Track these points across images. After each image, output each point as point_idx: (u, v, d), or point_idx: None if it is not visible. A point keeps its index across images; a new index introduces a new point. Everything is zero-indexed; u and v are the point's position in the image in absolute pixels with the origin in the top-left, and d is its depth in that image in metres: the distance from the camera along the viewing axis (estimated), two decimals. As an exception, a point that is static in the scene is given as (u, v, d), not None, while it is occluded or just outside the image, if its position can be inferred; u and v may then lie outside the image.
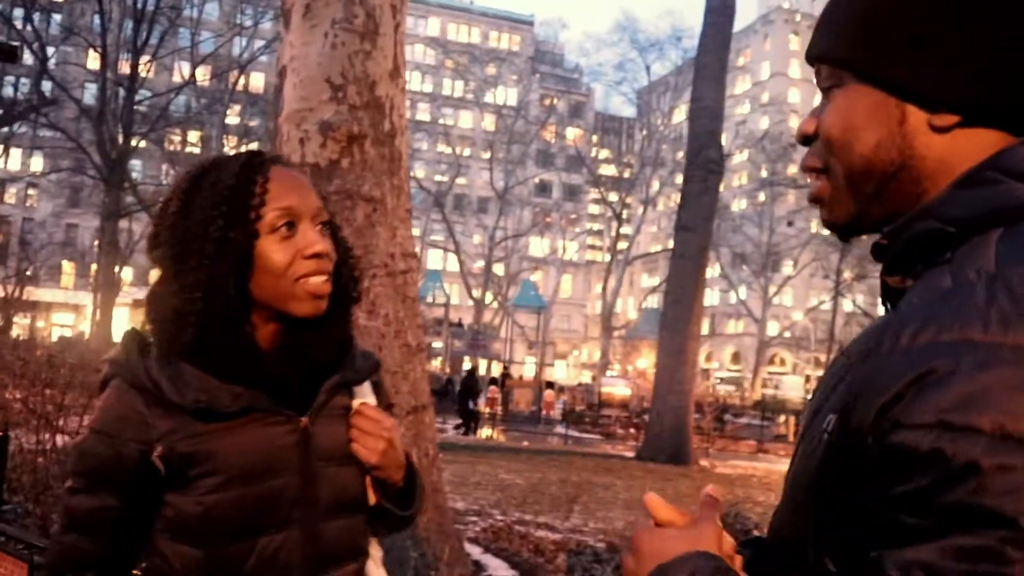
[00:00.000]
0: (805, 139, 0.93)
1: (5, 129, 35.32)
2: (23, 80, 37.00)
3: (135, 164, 40.59)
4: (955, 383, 0.66)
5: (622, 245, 58.39)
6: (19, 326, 43.99)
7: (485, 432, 22.96)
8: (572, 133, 68.19)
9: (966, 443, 0.65)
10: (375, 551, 1.59)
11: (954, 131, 0.82)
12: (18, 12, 32.78)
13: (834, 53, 0.88)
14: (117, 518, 1.39)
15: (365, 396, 1.56)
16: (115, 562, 1.41)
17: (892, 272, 0.87)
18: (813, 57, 0.92)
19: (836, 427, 0.77)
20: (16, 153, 48.06)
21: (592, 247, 77.16)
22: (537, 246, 66.24)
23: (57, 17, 37.98)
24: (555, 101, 68.26)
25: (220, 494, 1.37)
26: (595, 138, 74.17)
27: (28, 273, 42.32)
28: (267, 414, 1.42)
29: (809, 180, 0.94)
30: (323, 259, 1.43)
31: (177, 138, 39.36)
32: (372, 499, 1.54)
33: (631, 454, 18.71)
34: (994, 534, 0.63)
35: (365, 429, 1.49)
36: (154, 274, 1.48)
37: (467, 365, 38.89)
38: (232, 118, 41.08)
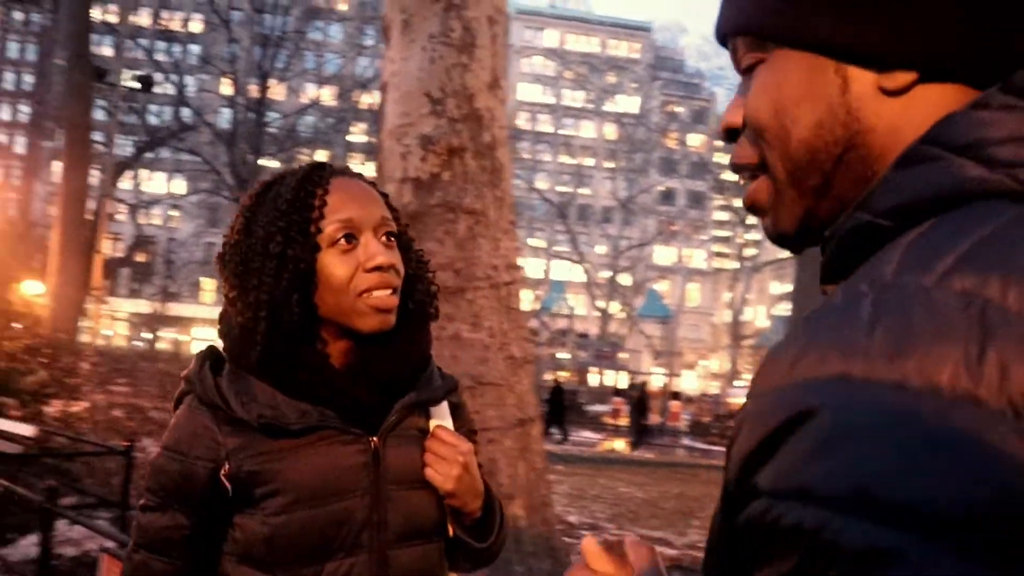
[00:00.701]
0: (730, 133, 0.74)
1: (150, 154, 37.41)
2: (165, 108, 39.20)
3: (268, 184, 42.21)
4: (821, 436, 0.49)
5: (750, 251, 57.12)
6: (164, 340, 46.49)
7: (609, 444, 22.77)
8: (695, 139, 67.23)
9: (827, 518, 0.47)
10: None
11: (911, 92, 0.64)
12: (160, 45, 34.81)
13: (751, 20, 0.71)
14: (188, 537, 1.36)
15: (443, 418, 1.50)
16: None
17: (828, 279, 0.70)
18: (725, 33, 0.74)
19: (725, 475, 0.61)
20: (160, 176, 50.92)
21: (719, 254, 75.69)
22: (662, 255, 65.53)
23: (194, 48, 40.11)
24: (676, 107, 67.49)
25: (287, 515, 1.32)
26: (718, 143, 72.85)
27: (171, 290, 44.63)
28: (336, 432, 1.37)
29: (742, 182, 0.75)
30: (386, 272, 1.37)
31: (305, 157, 40.77)
32: (451, 530, 1.48)
33: (758, 466, 18.19)
34: None
35: (440, 453, 1.42)
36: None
37: (593, 377, 38.73)
38: (358, 136, 42.29)
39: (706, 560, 0.66)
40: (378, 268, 1.36)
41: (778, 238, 0.74)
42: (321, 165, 1.46)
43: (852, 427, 0.48)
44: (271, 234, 1.35)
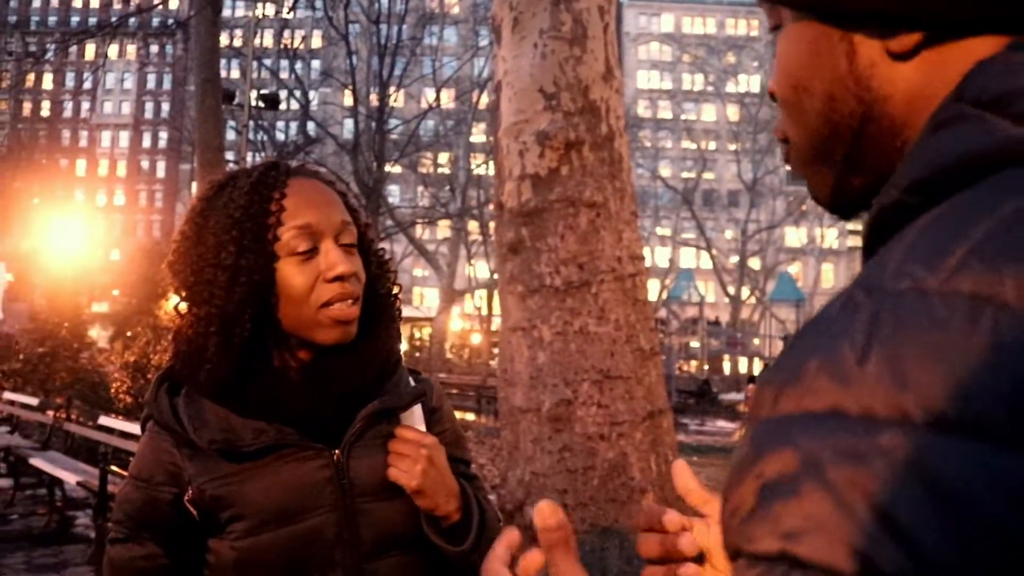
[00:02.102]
0: (775, 97, 0.67)
1: (280, 168, 38.93)
2: (291, 123, 40.66)
3: (392, 189, 43.34)
4: (805, 490, 0.40)
5: (886, 227, 54.93)
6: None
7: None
8: (822, 115, 65.10)
9: None
10: None
11: (923, 53, 0.55)
12: (284, 63, 36.12)
13: None
14: (158, 566, 1.31)
15: (415, 425, 1.40)
16: None
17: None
18: None
19: None
20: (291, 190, 52.85)
21: (853, 232, 73.08)
22: (793, 236, 63.74)
23: (315, 63, 41.46)
24: (801, 83, 65.61)
25: (253, 538, 1.27)
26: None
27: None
28: (296, 449, 1.30)
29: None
30: (347, 281, 1.30)
31: (428, 160, 41.51)
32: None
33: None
34: None
35: (402, 451, 1.34)
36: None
37: (727, 364, 38.05)
38: (478, 136, 42.72)
39: None
40: (340, 278, 1.29)
41: (820, 202, 0.67)
42: (276, 165, 1.38)
43: (839, 475, 0.40)
44: (223, 243, 1.27)
